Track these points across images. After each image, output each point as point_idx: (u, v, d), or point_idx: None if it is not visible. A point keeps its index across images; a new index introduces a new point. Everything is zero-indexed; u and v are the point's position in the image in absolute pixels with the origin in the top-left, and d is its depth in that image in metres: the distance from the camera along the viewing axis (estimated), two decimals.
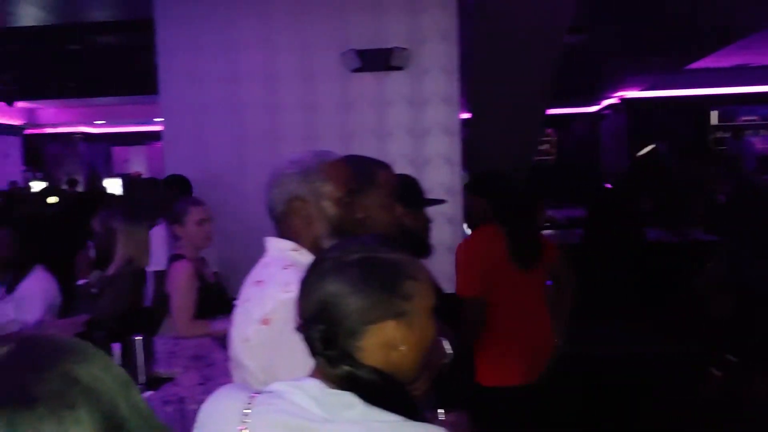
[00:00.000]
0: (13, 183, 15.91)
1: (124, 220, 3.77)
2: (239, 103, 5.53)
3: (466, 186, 3.70)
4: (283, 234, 1.91)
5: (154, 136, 21.82)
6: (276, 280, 1.75)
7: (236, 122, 5.54)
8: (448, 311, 3.04)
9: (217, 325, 3.53)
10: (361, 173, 2.05)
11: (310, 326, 1.34)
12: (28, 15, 8.21)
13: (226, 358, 3.10)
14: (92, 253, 4.34)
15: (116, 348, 3.03)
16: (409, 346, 1.34)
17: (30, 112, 18.12)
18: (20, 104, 15.48)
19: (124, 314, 3.44)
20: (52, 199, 8.96)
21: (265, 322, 1.70)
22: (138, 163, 23.28)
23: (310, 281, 1.36)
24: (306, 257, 1.81)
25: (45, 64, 12.43)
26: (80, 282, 4.08)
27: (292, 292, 1.54)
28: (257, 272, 1.86)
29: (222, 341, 3.34)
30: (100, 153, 22.67)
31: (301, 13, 5.43)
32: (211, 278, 3.84)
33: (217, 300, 3.73)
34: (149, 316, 3.65)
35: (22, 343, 0.78)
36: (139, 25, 8.63)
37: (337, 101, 5.45)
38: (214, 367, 3.09)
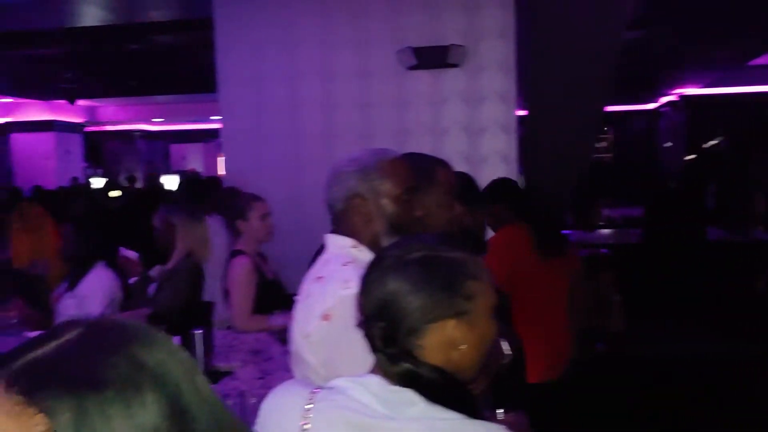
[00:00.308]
0: (75, 179, 16.32)
1: (183, 215, 3.84)
2: (296, 101, 5.58)
3: (484, 196, 3.72)
4: (342, 231, 1.93)
5: (211, 134, 22.21)
6: (336, 276, 1.77)
7: (293, 120, 5.60)
8: None
9: (275, 320, 3.57)
10: (420, 171, 2.05)
11: (370, 323, 1.34)
12: (90, 15, 8.39)
13: (284, 353, 3.15)
14: (130, 253, 4.40)
15: (176, 341, 3.08)
16: (469, 345, 1.34)
17: (90, 110, 18.57)
18: (81, 102, 15.86)
19: (184, 308, 3.50)
20: (115, 193, 9.16)
21: (325, 318, 1.71)
22: (195, 160, 23.68)
23: (370, 279, 1.37)
24: (365, 254, 1.83)
25: (105, 63, 12.71)
26: (131, 280, 4.16)
27: (352, 288, 1.56)
28: (317, 269, 1.88)
29: (280, 336, 3.39)
30: (158, 150, 23.12)
31: (358, 11, 5.45)
32: (270, 274, 3.89)
33: (275, 295, 3.78)
34: (208, 310, 3.71)
35: (91, 327, 0.79)
36: (197, 24, 8.77)
37: (392, 99, 5.47)
38: (272, 362, 3.13)
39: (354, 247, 1.88)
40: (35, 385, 0.70)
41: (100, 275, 3.90)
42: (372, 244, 1.88)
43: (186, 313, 3.45)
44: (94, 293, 3.78)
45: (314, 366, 1.73)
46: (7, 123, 17.30)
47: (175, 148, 23.89)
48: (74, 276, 3.90)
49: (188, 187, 6.60)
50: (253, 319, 3.68)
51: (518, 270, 3.43)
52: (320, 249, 3.75)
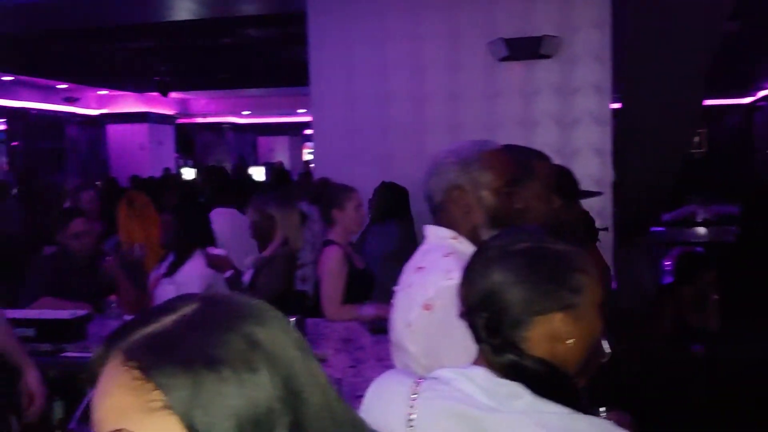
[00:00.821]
0: (167, 169, 16.81)
1: (279, 205, 3.92)
2: (386, 93, 5.60)
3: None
4: (441, 222, 1.92)
5: (297, 127, 22.55)
6: (437, 266, 1.76)
7: (383, 112, 5.62)
8: None
9: (365, 311, 3.60)
10: (519, 163, 2.03)
11: (474, 313, 1.33)
12: (184, 9, 8.60)
13: (375, 343, 3.17)
14: (219, 250, 4.48)
15: None
16: (576, 339, 1.31)
17: (182, 103, 19.10)
18: (174, 95, 16.30)
19: (280, 295, 3.56)
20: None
21: (427, 307, 1.71)
22: (281, 152, 24.08)
23: (474, 269, 1.35)
24: (465, 246, 1.82)
25: (198, 57, 13.03)
26: (225, 275, 4.24)
27: (453, 279, 1.56)
28: (418, 258, 1.88)
29: (370, 326, 3.41)
30: (246, 142, 23.60)
31: (449, 3, 5.44)
32: (360, 264, 3.92)
33: (366, 285, 3.81)
34: (302, 298, 3.76)
35: (206, 303, 0.78)
36: (287, 18, 8.90)
37: (483, 90, 5.43)
38: (363, 351, 3.15)
39: (454, 238, 1.87)
40: (152, 361, 0.70)
41: (198, 263, 3.99)
42: (471, 236, 1.87)
43: (282, 299, 3.51)
44: (191, 280, 3.87)
45: (415, 355, 1.73)
46: (103, 114, 17.96)
47: (263, 141, 24.35)
48: (173, 263, 4.01)
49: (278, 177, 6.70)
50: (344, 308, 3.72)
51: None
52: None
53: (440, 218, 1.93)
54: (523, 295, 1.28)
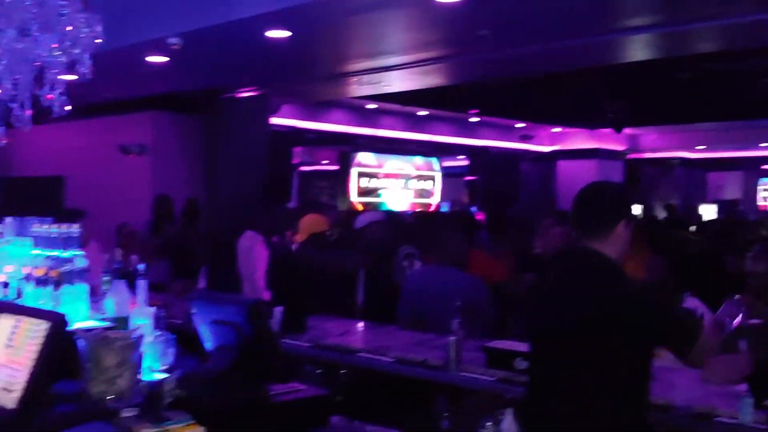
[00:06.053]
0: None
1: None
2: None
3: None
4: None
5: (753, 162, 20.90)
6: None
7: None
8: None
9: None
10: None
11: None
12: (640, 50, 8.51)
13: None
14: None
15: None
16: None
17: (633, 138, 18.97)
18: (626, 131, 16.30)
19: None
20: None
21: None
22: (732, 189, 22.51)
23: None
24: None
25: (652, 93, 12.89)
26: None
27: None
28: None
29: None
30: (694, 178, 22.51)
31: None
32: None
33: None
34: None
35: None
36: (752, 52, 8.31)
37: None
38: None
39: None
40: None
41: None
42: None
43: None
44: None
45: None
46: (554, 151, 18.73)
47: (713, 177, 22.99)
48: None
49: None
50: None
51: None
52: None
53: None
54: None
